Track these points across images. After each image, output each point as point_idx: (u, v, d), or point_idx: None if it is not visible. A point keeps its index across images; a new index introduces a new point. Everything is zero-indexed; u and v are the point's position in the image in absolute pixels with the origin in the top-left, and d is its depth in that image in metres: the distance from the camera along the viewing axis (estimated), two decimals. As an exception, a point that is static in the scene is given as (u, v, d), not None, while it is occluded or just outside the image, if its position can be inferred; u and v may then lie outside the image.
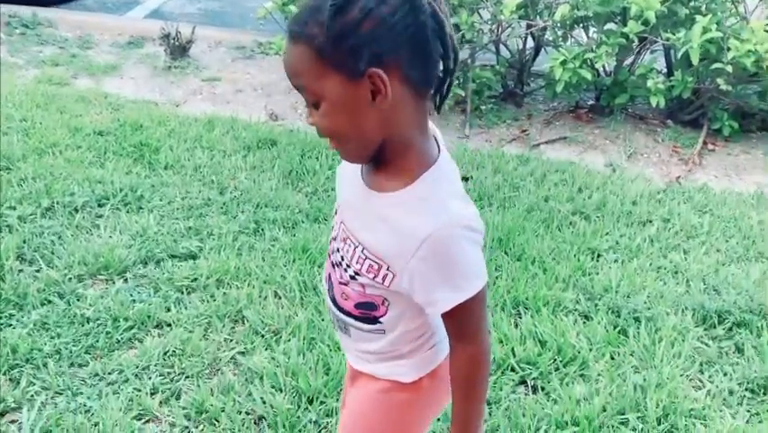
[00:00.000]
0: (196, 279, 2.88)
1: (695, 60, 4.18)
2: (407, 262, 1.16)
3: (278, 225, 3.29)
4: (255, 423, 2.25)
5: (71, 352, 2.46)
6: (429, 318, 1.30)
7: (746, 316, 2.82)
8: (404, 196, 1.16)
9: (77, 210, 3.29)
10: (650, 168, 4.31)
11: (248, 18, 6.27)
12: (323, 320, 2.64)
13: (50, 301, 2.70)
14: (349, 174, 1.28)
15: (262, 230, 3.25)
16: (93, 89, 4.85)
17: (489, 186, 3.78)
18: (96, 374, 2.39)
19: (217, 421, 2.23)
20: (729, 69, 4.18)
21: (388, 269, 1.20)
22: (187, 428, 2.22)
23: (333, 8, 1.06)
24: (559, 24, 4.65)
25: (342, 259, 1.28)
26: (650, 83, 4.43)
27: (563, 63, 4.43)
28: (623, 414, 2.34)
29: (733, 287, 3.01)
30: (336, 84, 1.10)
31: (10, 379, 2.35)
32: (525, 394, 2.42)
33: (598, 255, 3.23)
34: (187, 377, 2.41)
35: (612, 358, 2.59)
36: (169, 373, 2.42)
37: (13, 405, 2.25)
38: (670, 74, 4.71)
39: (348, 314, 1.33)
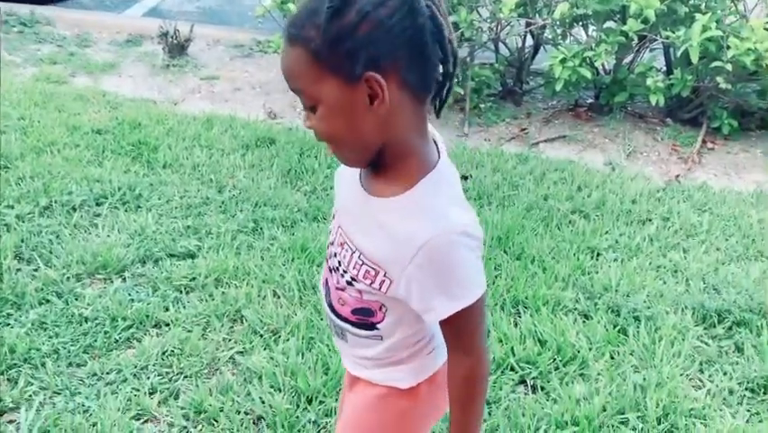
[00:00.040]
0: (194, 278, 2.87)
1: (694, 59, 4.17)
2: (404, 268, 1.14)
3: (277, 224, 3.28)
4: (254, 423, 2.24)
5: (69, 351, 2.45)
6: (426, 324, 1.29)
7: (746, 315, 2.81)
8: (403, 201, 1.15)
9: (75, 209, 3.28)
10: (649, 166, 4.30)
11: (246, 16, 6.26)
12: (322, 320, 2.64)
13: (48, 301, 2.69)
14: (347, 178, 1.26)
15: (261, 229, 3.24)
16: (91, 88, 4.84)
17: (488, 184, 3.78)
18: (95, 374, 2.38)
19: (216, 421, 2.23)
20: (729, 67, 4.17)
21: (385, 275, 1.18)
22: (185, 427, 2.21)
23: (329, 11, 1.04)
24: (558, 22, 4.64)
25: (340, 264, 1.26)
26: (649, 81, 4.42)
27: (563, 61, 4.42)
28: (623, 414, 2.33)
29: (733, 286, 3.01)
30: (333, 88, 1.08)
31: (8, 379, 2.34)
32: (525, 394, 2.42)
33: (598, 254, 3.23)
34: (186, 377, 2.40)
35: (612, 357, 2.59)
36: (167, 373, 2.41)
37: (11, 405, 2.24)
38: (669, 72, 4.71)
39: (345, 320, 1.31)
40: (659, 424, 2.30)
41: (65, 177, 3.52)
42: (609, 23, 4.63)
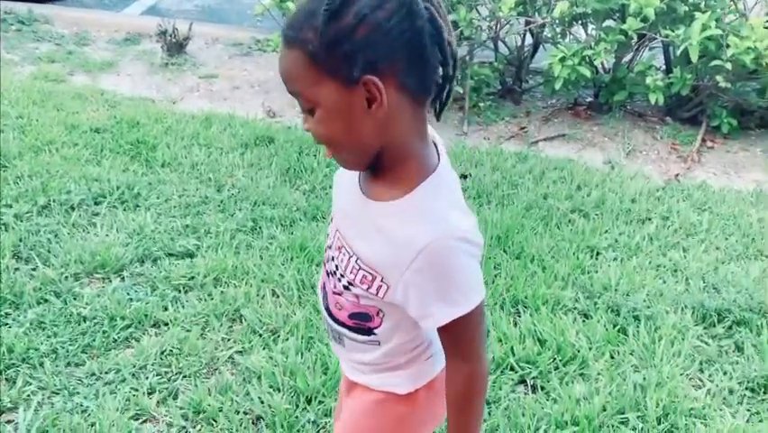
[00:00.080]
0: (193, 277, 2.86)
1: (694, 58, 4.17)
2: (402, 273, 1.13)
3: (276, 224, 3.27)
4: (253, 423, 2.24)
5: (68, 351, 2.45)
6: (424, 330, 1.27)
7: (746, 314, 2.81)
8: (402, 205, 1.13)
9: (73, 208, 3.28)
10: (649, 165, 4.30)
11: (245, 15, 6.25)
12: (321, 319, 2.62)
13: (46, 300, 2.68)
14: (346, 181, 1.24)
15: (260, 228, 3.24)
16: (89, 86, 4.83)
17: (487, 183, 3.77)
18: (93, 374, 2.37)
19: (215, 421, 2.22)
20: (728, 66, 4.17)
21: (382, 280, 1.17)
22: (184, 428, 2.21)
23: (326, 13, 1.03)
24: (558, 21, 4.63)
25: (337, 268, 1.25)
26: (649, 80, 4.41)
27: (562, 60, 4.42)
28: (623, 413, 2.33)
29: (732, 285, 3.00)
30: (331, 91, 1.07)
31: (6, 379, 2.34)
32: (525, 394, 2.41)
33: (598, 253, 3.22)
34: (185, 377, 2.40)
35: (612, 357, 2.58)
36: (166, 373, 2.41)
37: (9, 405, 2.24)
38: (669, 71, 4.70)
39: (342, 324, 1.29)
40: (659, 424, 2.29)
41: (63, 176, 3.52)
42: (609, 22, 4.62)
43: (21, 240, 2.99)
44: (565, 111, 4.93)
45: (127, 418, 2.21)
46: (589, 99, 5.03)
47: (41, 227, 3.11)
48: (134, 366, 2.41)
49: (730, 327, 2.77)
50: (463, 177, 3.79)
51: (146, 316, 2.63)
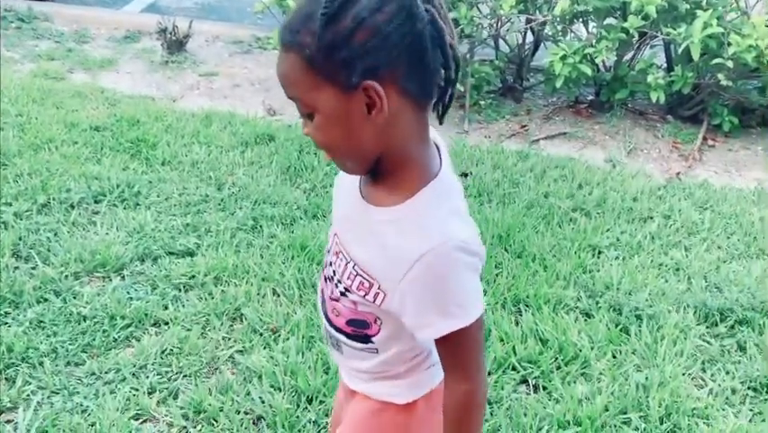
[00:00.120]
0: (193, 276, 2.85)
1: (695, 56, 4.16)
2: (399, 282, 1.10)
3: (277, 222, 3.26)
4: (254, 423, 2.23)
5: (67, 351, 2.44)
6: (419, 341, 1.23)
7: (748, 313, 2.80)
8: (403, 210, 1.11)
9: (73, 207, 3.26)
10: (650, 164, 4.29)
11: (245, 12, 6.22)
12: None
13: (45, 299, 2.67)
14: (347, 185, 1.22)
15: (260, 227, 3.23)
16: (89, 84, 4.81)
17: (488, 182, 3.76)
18: (93, 373, 2.36)
19: (215, 421, 2.21)
20: (730, 64, 4.15)
21: (379, 288, 1.14)
22: (185, 427, 2.20)
23: (324, 17, 1.00)
24: (558, 19, 4.61)
25: (334, 273, 1.22)
26: (650, 78, 4.40)
27: (563, 58, 4.40)
28: (625, 413, 2.32)
29: (734, 284, 2.99)
30: (330, 96, 1.04)
31: (5, 378, 2.33)
32: (527, 393, 2.40)
33: (599, 252, 3.21)
34: (185, 376, 2.39)
35: (614, 357, 2.58)
36: (166, 372, 2.40)
37: (8, 405, 2.23)
38: (670, 69, 4.69)
39: (340, 331, 1.27)
40: (661, 424, 2.29)
41: (63, 174, 3.50)
42: (610, 20, 4.60)
43: (20, 238, 2.98)
44: (566, 109, 4.92)
45: (127, 417, 2.20)
46: (591, 97, 5.02)
47: (41, 226, 3.10)
48: (134, 366, 2.40)
49: (732, 327, 2.76)
50: (464, 175, 3.78)
51: (146, 315, 2.62)
